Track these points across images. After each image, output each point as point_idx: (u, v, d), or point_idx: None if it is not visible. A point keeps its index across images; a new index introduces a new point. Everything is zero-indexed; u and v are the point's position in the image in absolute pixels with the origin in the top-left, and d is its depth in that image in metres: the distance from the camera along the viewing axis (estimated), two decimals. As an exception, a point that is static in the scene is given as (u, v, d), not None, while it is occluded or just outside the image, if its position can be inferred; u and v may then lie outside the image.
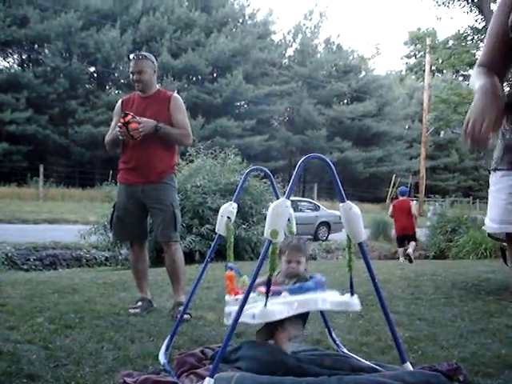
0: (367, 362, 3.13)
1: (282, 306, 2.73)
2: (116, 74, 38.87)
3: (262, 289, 2.79)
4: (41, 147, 33.36)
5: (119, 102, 5.05)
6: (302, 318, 3.04)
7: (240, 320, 2.69)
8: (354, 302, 2.93)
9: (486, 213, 2.21)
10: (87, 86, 37.77)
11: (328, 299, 2.89)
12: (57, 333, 3.77)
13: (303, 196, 31.95)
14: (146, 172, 4.77)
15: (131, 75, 4.90)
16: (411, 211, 12.15)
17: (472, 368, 3.16)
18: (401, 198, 12.33)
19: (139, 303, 4.74)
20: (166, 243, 4.82)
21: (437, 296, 5.82)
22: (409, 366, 2.92)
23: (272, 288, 2.78)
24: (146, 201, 4.82)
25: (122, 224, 4.92)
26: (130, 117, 4.56)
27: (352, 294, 2.96)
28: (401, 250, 12.43)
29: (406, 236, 12.19)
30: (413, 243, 12.08)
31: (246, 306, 2.71)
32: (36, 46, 37.49)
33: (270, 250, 2.64)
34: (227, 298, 3.15)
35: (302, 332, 3.14)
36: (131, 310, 4.55)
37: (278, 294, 2.83)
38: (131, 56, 4.95)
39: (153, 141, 4.69)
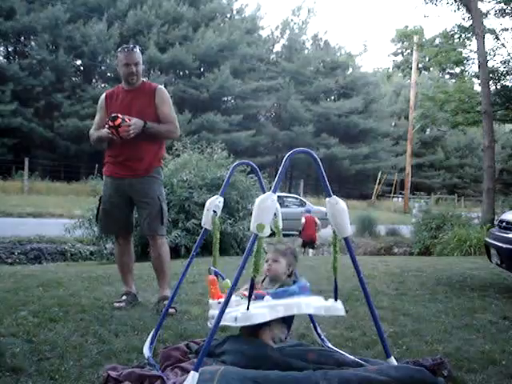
0: (352, 357, 3.14)
1: (264, 310, 2.73)
2: (103, 68, 38.61)
3: (245, 292, 2.79)
4: (26, 140, 33.09)
5: (103, 95, 4.98)
6: (287, 322, 3.05)
7: (222, 323, 2.69)
8: (338, 307, 2.94)
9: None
10: (73, 79, 37.45)
11: (312, 304, 2.89)
12: (41, 326, 3.75)
13: (289, 192, 32.01)
14: (133, 165, 4.74)
15: (125, 67, 4.76)
16: (317, 224, 14.71)
17: (456, 363, 3.19)
18: (308, 215, 14.79)
19: (124, 297, 4.72)
20: (152, 237, 4.80)
21: (421, 292, 5.86)
22: (393, 361, 2.94)
23: (255, 291, 2.78)
24: (133, 194, 4.79)
25: (108, 217, 4.89)
26: (119, 120, 4.48)
27: (336, 299, 2.97)
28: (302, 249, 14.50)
29: (309, 242, 14.63)
30: (312, 250, 15.04)
31: (228, 309, 2.71)
32: (22, 38, 37.14)
33: (255, 248, 2.64)
34: (210, 301, 3.14)
35: (286, 335, 3.13)
36: (116, 304, 4.54)
37: (261, 297, 2.83)
38: (123, 48, 4.83)
39: (140, 135, 4.66)
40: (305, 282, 3.04)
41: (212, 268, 3.27)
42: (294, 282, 3.04)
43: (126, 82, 4.88)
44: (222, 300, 2.96)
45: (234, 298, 2.87)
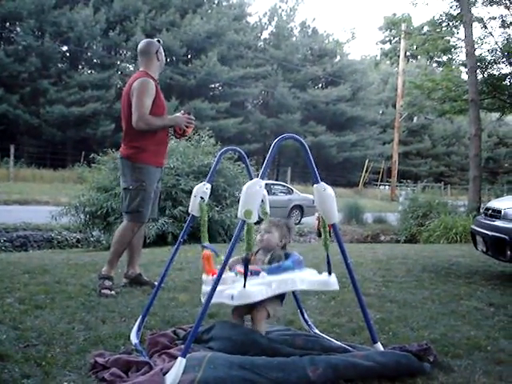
0: (338, 343, 3.16)
1: (260, 287, 2.74)
2: (89, 54, 38.30)
3: (241, 269, 2.80)
4: (11, 127, 32.80)
5: (152, 82, 4.84)
6: (279, 296, 3.06)
7: (219, 300, 2.71)
8: (332, 281, 2.96)
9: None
10: (59, 65, 37.07)
11: (306, 279, 2.91)
12: (27, 313, 3.74)
13: (277, 180, 32.01)
14: (165, 155, 5.16)
15: (163, 58, 5.14)
16: None
17: (442, 349, 3.21)
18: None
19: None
20: (149, 220, 5.28)
21: (408, 279, 5.89)
22: (380, 347, 2.97)
23: (250, 267, 2.80)
24: (158, 182, 5.06)
25: (149, 205, 4.92)
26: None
27: (330, 273, 2.98)
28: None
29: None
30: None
31: (224, 286, 2.73)
32: (7, 23, 36.70)
33: (246, 229, 2.65)
34: (204, 277, 3.14)
35: (279, 310, 3.16)
36: (104, 291, 4.52)
37: (257, 274, 2.84)
38: (158, 40, 5.11)
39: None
40: (298, 256, 3.05)
41: (205, 244, 3.26)
42: (288, 255, 3.06)
43: (156, 72, 5.03)
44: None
45: (229, 274, 2.88)
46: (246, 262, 2.71)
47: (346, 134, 45.81)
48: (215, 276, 3.03)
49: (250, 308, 3.02)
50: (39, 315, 3.71)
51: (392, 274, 6.23)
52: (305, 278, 2.89)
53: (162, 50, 5.08)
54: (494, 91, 16.62)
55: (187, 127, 4.96)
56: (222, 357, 2.68)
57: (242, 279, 2.72)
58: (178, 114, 4.99)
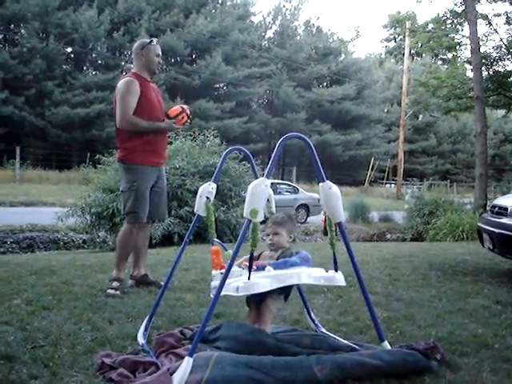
0: (345, 342, 3.15)
1: (265, 280, 2.75)
2: (93, 55, 38.36)
3: (247, 263, 2.81)
4: (17, 129, 32.88)
5: (135, 81, 4.83)
6: (284, 293, 3.07)
7: (224, 293, 2.71)
8: (338, 278, 2.94)
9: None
10: (64, 66, 37.20)
11: (312, 274, 2.90)
12: (34, 314, 3.74)
13: (282, 179, 31.99)
14: (163, 154, 5.09)
15: (157, 58, 5.01)
16: None
17: (449, 347, 3.20)
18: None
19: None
20: (154, 220, 5.25)
21: (414, 277, 5.88)
22: (387, 345, 2.96)
23: (257, 262, 2.81)
24: (157, 181, 5.00)
25: (146, 205, 4.90)
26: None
27: (336, 270, 2.98)
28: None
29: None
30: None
31: (230, 280, 2.73)
32: (12, 25, 36.81)
33: (251, 228, 2.65)
34: (213, 272, 3.16)
35: (284, 307, 3.17)
36: (109, 291, 4.54)
37: (263, 268, 2.85)
38: (151, 40, 5.03)
39: None
40: (306, 253, 3.05)
41: (214, 239, 3.28)
42: (296, 253, 3.06)
43: (151, 72, 5.03)
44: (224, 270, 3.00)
45: (236, 268, 2.89)
46: (251, 256, 2.72)
47: (351, 133, 45.71)
48: (223, 270, 3.05)
49: (258, 314, 3.05)
50: (46, 316, 3.72)
51: (399, 272, 6.21)
52: (310, 274, 2.89)
53: (152, 49, 4.95)
54: (499, 88, 16.58)
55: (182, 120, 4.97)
56: (229, 356, 2.68)
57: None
58: (168, 120, 4.94)
